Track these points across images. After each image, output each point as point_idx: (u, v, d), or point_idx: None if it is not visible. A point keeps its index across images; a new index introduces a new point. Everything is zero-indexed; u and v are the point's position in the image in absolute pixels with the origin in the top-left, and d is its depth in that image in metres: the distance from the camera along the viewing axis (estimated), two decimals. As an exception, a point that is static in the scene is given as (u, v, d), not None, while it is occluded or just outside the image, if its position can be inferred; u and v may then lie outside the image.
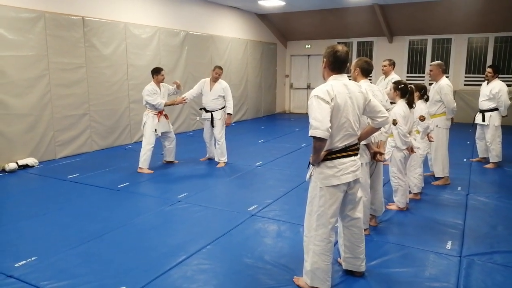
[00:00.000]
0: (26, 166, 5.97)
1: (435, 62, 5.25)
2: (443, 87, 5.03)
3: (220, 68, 6.19)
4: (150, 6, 8.20)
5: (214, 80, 6.15)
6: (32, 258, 3.16)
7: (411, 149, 4.12)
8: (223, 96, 6.15)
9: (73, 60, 6.65)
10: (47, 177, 5.54)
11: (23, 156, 6.06)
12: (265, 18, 11.92)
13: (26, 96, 6.04)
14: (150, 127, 5.81)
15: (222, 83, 6.16)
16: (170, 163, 6.28)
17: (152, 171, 5.76)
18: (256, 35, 11.82)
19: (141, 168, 5.77)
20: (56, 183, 5.29)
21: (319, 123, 2.44)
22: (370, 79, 3.67)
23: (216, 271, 3.02)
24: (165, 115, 5.99)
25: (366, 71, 3.46)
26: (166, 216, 4.15)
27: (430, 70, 5.25)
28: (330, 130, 2.46)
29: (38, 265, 3.07)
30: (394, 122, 3.98)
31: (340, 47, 2.63)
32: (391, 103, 4.60)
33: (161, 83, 5.91)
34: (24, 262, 3.10)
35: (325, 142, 2.51)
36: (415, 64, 11.47)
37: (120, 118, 7.63)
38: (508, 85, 6.61)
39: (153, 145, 5.82)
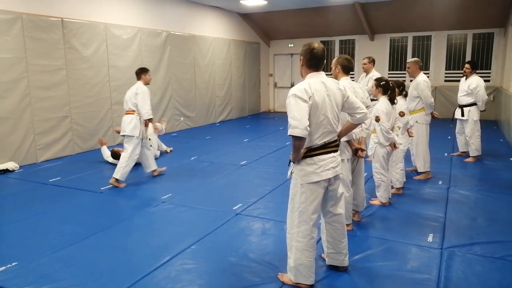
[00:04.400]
0: (6, 171, 5.85)
1: (412, 59, 5.34)
2: (419, 83, 5.12)
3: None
4: (130, 6, 8.11)
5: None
6: (13, 264, 3.10)
7: (393, 145, 4.18)
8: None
9: (52, 62, 6.54)
10: (28, 181, 5.44)
11: (3, 160, 5.94)
12: (247, 17, 11.92)
13: (5, 99, 5.92)
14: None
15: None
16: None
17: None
18: (239, 34, 11.80)
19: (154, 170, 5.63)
20: (37, 187, 5.20)
21: (297, 122, 2.46)
22: (352, 77, 3.70)
23: (201, 270, 3.02)
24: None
25: (347, 69, 3.50)
26: (150, 217, 4.13)
27: (408, 67, 5.33)
28: (308, 128, 2.49)
29: (18, 270, 3.02)
30: (377, 119, 4.03)
31: (316, 44, 2.64)
32: (372, 100, 4.67)
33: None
34: (4, 268, 3.04)
35: (304, 141, 2.53)
36: (396, 61, 11.62)
37: (102, 120, 7.54)
38: (485, 81, 6.75)
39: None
